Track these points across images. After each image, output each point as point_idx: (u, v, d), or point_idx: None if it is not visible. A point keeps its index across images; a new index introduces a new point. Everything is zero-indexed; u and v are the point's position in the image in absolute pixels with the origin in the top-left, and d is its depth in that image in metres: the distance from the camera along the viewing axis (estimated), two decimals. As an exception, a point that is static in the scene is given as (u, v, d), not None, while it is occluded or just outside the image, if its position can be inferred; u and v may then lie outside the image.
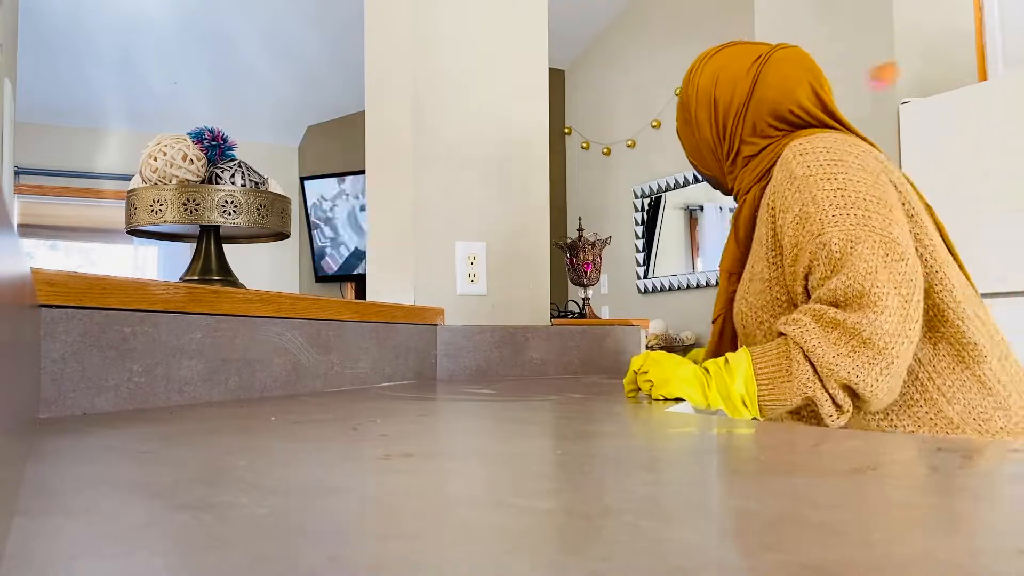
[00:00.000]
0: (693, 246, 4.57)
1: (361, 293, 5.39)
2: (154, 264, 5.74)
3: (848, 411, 1.03)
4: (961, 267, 1.18)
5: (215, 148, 1.45)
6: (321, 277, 5.68)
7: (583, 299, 2.41)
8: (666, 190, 4.63)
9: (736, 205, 1.29)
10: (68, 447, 0.66)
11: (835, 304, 1.02)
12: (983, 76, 2.90)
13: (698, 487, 0.53)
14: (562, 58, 5.37)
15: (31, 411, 0.74)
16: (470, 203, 1.95)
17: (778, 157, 1.18)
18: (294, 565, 0.32)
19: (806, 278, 1.09)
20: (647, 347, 2.21)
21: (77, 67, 4.86)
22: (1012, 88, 2.50)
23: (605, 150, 5.10)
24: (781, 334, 1.09)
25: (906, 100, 2.77)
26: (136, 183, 1.45)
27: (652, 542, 0.36)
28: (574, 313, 2.53)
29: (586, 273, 2.35)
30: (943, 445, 0.70)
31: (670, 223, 4.66)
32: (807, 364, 1.02)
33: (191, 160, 1.41)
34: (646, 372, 1.18)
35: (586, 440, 0.77)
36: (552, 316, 2.07)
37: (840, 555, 0.34)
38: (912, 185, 1.19)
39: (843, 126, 1.24)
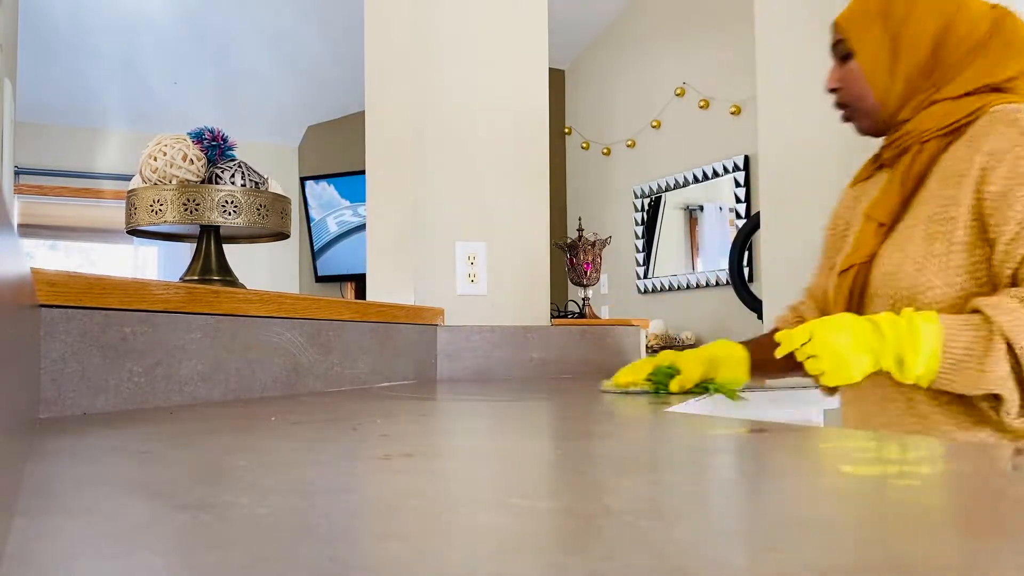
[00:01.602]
0: (693, 246, 4.57)
1: (361, 293, 5.39)
2: (154, 264, 5.74)
3: None
4: None
5: (215, 148, 1.45)
6: (321, 277, 5.68)
7: (583, 299, 2.41)
8: (666, 190, 4.63)
9: (892, 145, 1.18)
10: (68, 447, 0.66)
11: None
12: (983, 76, 2.90)
13: (698, 487, 0.53)
14: (562, 58, 5.36)
15: (31, 411, 0.74)
16: (470, 203, 1.95)
17: (978, 115, 1.09)
18: (294, 565, 0.32)
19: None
20: (647, 347, 2.21)
21: (77, 67, 4.86)
22: (1012, 88, 2.49)
23: (605, 150, 5.10)
24: (975, 311, 1.01)
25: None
26: (136, 183, 1.44)
27: (652, 542, 0.36)
28: (574, 313, 2.53)
29: (586, 273, 2.35)
30: (944, 447, 0.70)
31: (670, 223, 4.66)
32: (1006, 360, 0.96)
33: (191, 160, 1.41)
34: (815, 357, 1.04)
35: (586, 440, 0.77)
36: (552, 316, 2.07)
37: (840, 555, 0.34)
38: None
39: None
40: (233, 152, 1.49)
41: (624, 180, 4.96)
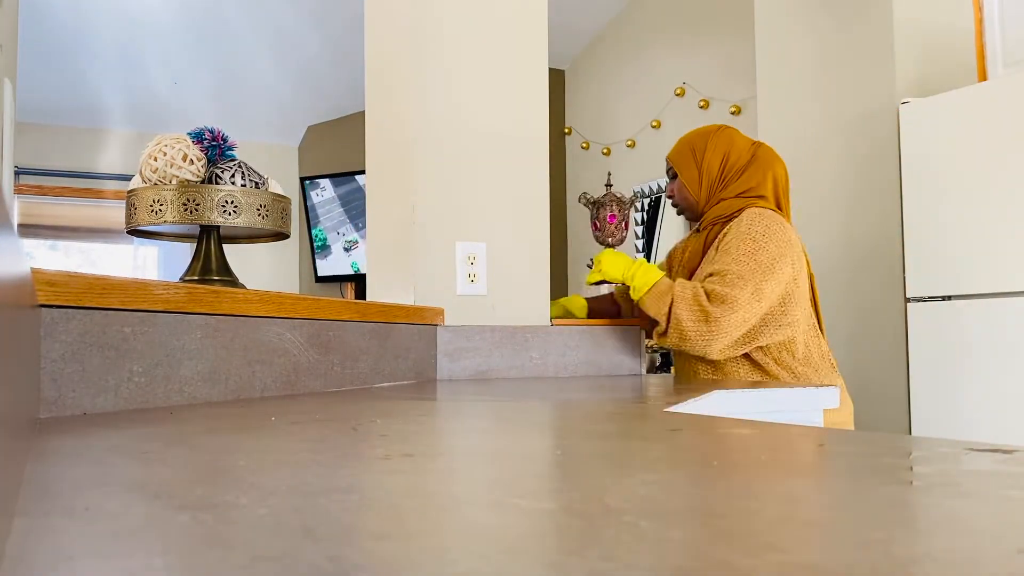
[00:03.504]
0: (693, 246, 4.56)
1: (361, 293, 5.39)
2: (154, 264, 5.74)
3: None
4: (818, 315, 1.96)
5: (215, 148, 1.45)
6: (321, 277, 5.68)
7: (583, 299, 2.40)
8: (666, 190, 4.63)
9: (701, 224, 1.99)
10: (68, 447, 0.66)
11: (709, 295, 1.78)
12: (983, 76, 2.90)
13: (698, 487, 0.53)
14: (562, 58, 5.37)
15: (31, 411, 0.74)
16: (470, 203, 1.95)
17: (738, 212, 1.89)
18: (294, 565, 0.32)
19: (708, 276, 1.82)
20: (647, 347, 2.21)
21: (77, 67, 4.86)
22: (1012, 88, 2.50)
23: (605, 150, 5.10)
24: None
25: (906, 100, 2.77)
26: (136, 183, 1.45)
27: (652, 542, 0.36)
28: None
29: (608, 226, 2.17)
30: (944, 446, 0.70)
31: (670, 223, 4.66)
32: (667, 305, 1.82)
33: (191, 160, 1.41)
34: (599, 263, 1.94)
35: (586, 440, 0.77)
36: (552, 316, 2.07)
37: (840, 555, 0.34)
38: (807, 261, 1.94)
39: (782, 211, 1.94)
40: (233, 152, 1.49)
41: (624, 180, 4.96)
